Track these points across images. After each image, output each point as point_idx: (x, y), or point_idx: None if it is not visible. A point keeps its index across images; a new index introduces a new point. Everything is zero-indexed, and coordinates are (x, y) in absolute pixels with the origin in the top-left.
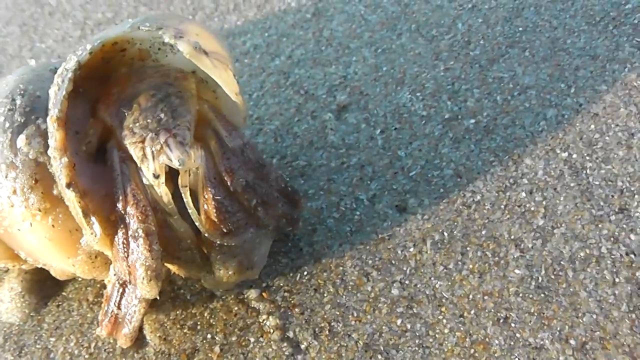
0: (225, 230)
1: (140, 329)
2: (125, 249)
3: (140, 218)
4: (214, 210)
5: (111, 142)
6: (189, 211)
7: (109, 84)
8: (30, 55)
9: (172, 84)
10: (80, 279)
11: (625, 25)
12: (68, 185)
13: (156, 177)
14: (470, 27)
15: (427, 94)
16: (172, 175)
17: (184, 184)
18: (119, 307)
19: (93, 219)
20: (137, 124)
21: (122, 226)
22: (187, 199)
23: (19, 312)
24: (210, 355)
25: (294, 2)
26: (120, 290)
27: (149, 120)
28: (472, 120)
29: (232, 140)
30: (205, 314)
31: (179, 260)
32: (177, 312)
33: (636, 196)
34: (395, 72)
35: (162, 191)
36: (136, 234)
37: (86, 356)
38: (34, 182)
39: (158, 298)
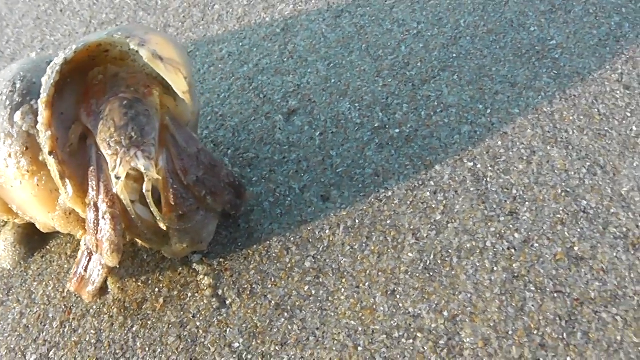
0: (180, 213)
1: (105, 280)
2: (96, 227)
3: (108, 204)
4: (172, 197)
5: (90, 140)
6: (151, 209)
7: (88, 89)
8: (41, 46)
9: (141, 100)
10: (61, 236)
11: (547, 59)
12: (50, 153)
13: (117, 178)
14: (411, 51)
15: (364, 105)
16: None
17: (147, 189)
18: (85, 270)
19: (67, 181)
20: (113, 139)
21: (94, 209)
22: (150, 199)
23: (10, 260)
24: (155, 304)
25: (268, 17)
26: (88, 257)
27: (122, 138)
28: (397, 130)
29: (189, 148)
30: (156, 272)
31: (140, 237)
32: (135, 269)
33: (527, 203)
34: (341, 85)
35: (119, 192)
36: (105, 216)
37: (60, 298)
38: (25, 149)
39: (118, 267)
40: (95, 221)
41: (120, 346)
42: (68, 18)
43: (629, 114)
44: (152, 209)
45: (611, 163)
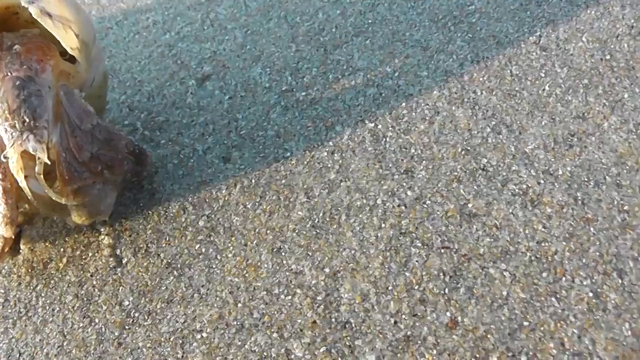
0: (75, 187)
1: (19, 241)
2: None
3: (1, 177)
4: (65, 172)
5: None
6: (45, 190)
7: None
8: None
9: (34, 78)
10: None
11: (463, 23)
12: None
13: (5, 158)
14: (328, 17)
15: (275, 70)
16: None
17: (39, 171)
18: None
19: None
20: (7, 123)
21: None
22: (42, 182)
23: None
24: (59, 264)
25: None
26: None
27: (16, 121)
28: (304, 93)
29: (83, 125)
30: (64, 232)
31: (40, 209)
32: (45, 230)
33: (424, 161)
34: (255, 51)
35: (14, 172)
36: None
37: None
38: None
39: (13, 237)
40: None
41: (24, 305)
42: None
43: (542, 75)
44: (46, 190)
45: (518, 122)
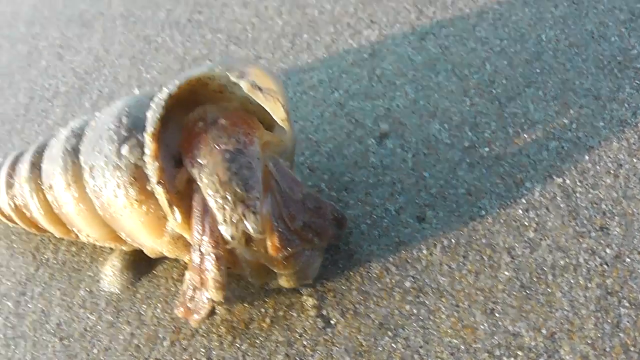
0: (287, 254)
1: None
2: (201, 265)
3: (213, 245)
4: (277, 240)
5: (196, 185)
6: (257, 254)
7: (190, 135)
8: (137, 84)
9: (243, 151)
10: (167, 261)
11: (629, 69)
12: (158, 183)
13: (234, 239)
14: (496, 68)
15: (453, 126)
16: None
17: (256, 237)
18: (191, 301)
19: (175, 209)
20: (218, 195)
21: (199, 252)
22: (260, 252)
23: (119, 284)
24: (262, 324)
25: (355, 43)
26: (192, 291)
27: (227, 193)
28: (487, 149)
29: (295, 194)
30: (261, 294)
31: (245, 274)
32: (240, 291)
33: (616, 217)
34: (429, 106)
35: (236, 246)
36: (209, 256)
37: (169, 319)
38: (133, 179)
39: (223, 301)
40: (201, 260)
41: None
42: (162, 55)
43: None
44: (258, 255)
45: None
